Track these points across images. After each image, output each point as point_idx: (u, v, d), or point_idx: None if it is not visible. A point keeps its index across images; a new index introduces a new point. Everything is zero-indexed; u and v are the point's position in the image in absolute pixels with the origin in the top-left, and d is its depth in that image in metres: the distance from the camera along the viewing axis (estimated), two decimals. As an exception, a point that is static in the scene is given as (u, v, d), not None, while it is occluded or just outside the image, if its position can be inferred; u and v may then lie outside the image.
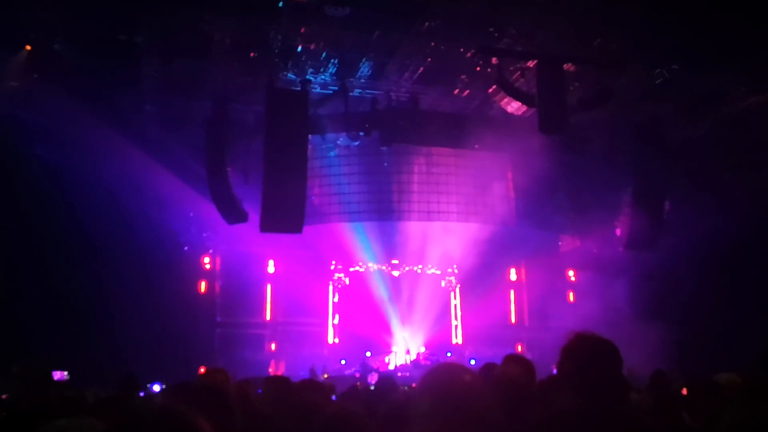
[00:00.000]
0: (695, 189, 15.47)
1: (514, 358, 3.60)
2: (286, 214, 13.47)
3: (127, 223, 14.47)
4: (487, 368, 3.71)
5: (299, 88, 13.80)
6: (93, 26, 11.72)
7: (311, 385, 3.19)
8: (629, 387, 2.54)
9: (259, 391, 7.11)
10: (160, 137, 14.74)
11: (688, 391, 4.34)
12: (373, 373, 16.18)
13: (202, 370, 16.91)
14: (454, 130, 16.67)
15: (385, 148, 17.01)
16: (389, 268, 20.53)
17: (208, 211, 15.17)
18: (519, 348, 21.09)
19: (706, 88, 14.16)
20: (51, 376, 3.45)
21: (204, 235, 17.69)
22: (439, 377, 2.03)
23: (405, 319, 19.89)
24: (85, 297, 14.08)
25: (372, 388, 6.80)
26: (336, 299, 20.52)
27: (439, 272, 20.97)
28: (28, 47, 12.21)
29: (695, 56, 12.80)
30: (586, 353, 2.39)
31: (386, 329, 19.74)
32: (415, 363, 18.87)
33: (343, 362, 18.90)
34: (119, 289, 14.35)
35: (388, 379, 4.92)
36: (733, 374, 3.92)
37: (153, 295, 15.03)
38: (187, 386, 2.28)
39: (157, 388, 9.13)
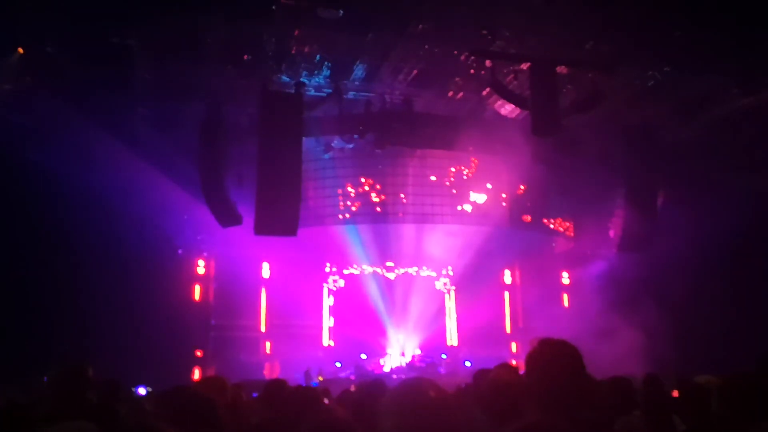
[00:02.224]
0: (687, 190, 15.54)
1: (504, 365, 3.60)
2: (280, 216, 13.47)
3: (121, 226, 14.41)
4: (481, 374, 3.69)
5: (293, 91, 13.81)
6: (86, 29, 11.69)
7: (304, 391, 3.17)
8: (591, 390, 2.56)
9: (254, 394, 7.13)
10: (154, 140, 14.72)
11: (678, 393, 4.38)
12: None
13: (197, 373, 17.01)
14: (448, 132, 16.71)
15: (379, 151, 17.03)
16: (384, 271, 20.52)
17: (202, 214, 15.14)
18: (514, 347, 21.12)
19: (698, 90, 14.23)
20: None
21: (198, 238, 17.64)
22: (404, 394, 2.02)
23: (400, 321, 19.87)
24: (78, 299, 14.01)
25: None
26: (331, 302, 20.50)
27: (434, 274, 20.97)
28: (21, 50, 12.19)
29: (687, 59, 12.87)
30: (547, 359, 2.41)
31: (381, 331, 19.72)
32: (410, 365, 18.88)
33: (338, 365, 18.88)
34: (113, 292, 14.29)
35: (376, 383, 4.87)
36: (710, 376, 3.97)
37: (147, 298, 14.98)
38: (175, 396, 2.27)
39: (142, 391, 9.04)
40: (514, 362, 15.50)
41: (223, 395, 3.28)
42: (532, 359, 2.47)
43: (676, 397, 4.57)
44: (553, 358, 2.42)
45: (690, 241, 14.73)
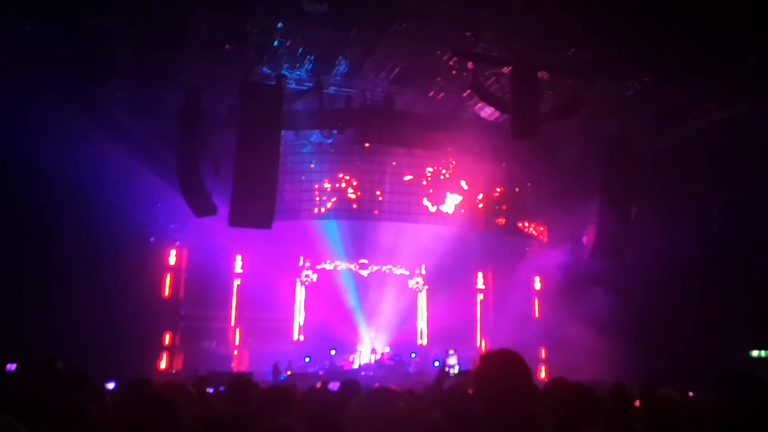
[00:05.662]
0: (660, 201, 15.75)
1: (467, 373, 3.61)
2: (255, 208, 13.37)
3: (92, 211, 14.18)
4: (462, 376, 3.68)
5: (274, 83, 13.71)
6: (65, 9, 11.46)
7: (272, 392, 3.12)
8: (537, 398, 2.60)
9: (221, 388, 7.08)
10: (130, 126, 14.50)
11: (641, 403, 4.45)
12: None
13: (165, 359, 16.83)
14: (427, 131, 16.76)
15: (358, 147, 17.01)
16: (358, 267, 20.51)
17: (176, 202, 14.95)
18: (483, 347, 21.22)
19: (674, 103, 14.44)
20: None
21: (171, 226, 17.43)
22: (372, 403, 2.02)
23: (371, 319, 19.89)
24: (45, 286, 13.74)
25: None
26: (303, 296, 20.43)
27: (407, 273, 21.02)
28: (-3, 28, 11.91)
29: (666, 70, 13.06)
30: (495, 368, 2.44)
31: (352, 328, 19.71)
32: (378, 363, 18.89)
33: (307, 359, 18.81)
34: (81, 279, 14.06)
35: (351, 384, 4.86)
36: (671, 389, 4.05)
37: (116, 286, 14.74)
38: (135, 394, 2.23)
39: (111, 386, 8.96)
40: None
41: (186, 402, 3.21)
42: (478, 369, 2.50)
43: (638, 407, 4.64)
44: (499, 366, 2.45)
45: (659, 250, 14.93)
